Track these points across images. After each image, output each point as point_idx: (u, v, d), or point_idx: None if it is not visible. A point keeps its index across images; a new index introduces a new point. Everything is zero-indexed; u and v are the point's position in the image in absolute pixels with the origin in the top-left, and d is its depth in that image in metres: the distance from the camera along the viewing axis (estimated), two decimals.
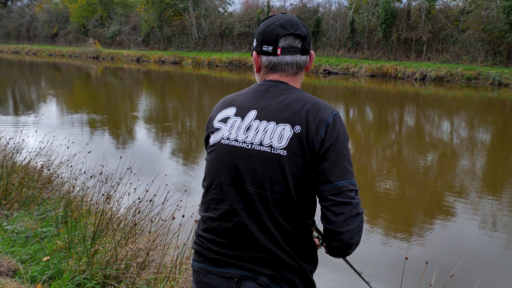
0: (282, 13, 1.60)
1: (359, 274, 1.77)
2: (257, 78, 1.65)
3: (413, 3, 28.32)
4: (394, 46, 27.81)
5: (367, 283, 1.80)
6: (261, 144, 1.46)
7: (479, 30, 24.46)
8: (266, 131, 1.46)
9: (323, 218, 1.45)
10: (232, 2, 60.80)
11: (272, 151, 1.44)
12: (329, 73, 26.29)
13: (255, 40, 1.59)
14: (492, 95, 18.95)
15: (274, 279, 1.46)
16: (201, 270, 1.55)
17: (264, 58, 1.58)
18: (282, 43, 1.53)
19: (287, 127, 1.44)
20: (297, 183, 1.44)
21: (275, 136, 1.45)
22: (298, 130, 1.43)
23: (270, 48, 1.54)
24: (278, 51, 1.53)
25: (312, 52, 1.63)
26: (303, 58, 1.57)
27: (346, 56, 29.41)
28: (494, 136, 12.08)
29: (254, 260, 1.47)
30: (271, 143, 1.45)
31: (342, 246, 1.43)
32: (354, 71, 25.80)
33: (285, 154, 1.43)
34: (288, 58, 1.55)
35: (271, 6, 35.01)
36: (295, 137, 1.43)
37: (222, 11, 41.43)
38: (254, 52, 1.61)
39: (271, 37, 1.53)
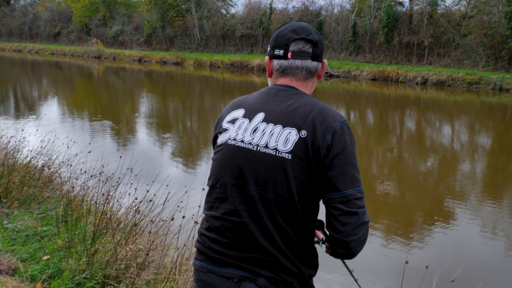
0: (296, 21, 1.62)
1: (351, 272, 1.82)
2: (269, 83, 1.68)
3: (415, 7, 28.34)
4: (396, 50, 27.81)
5: (355, 280, 1.86)
6: (266, 146, 1.47)
7: (480, 35, 24.45)
8: (272, 134, 1.48)
9: (330, 227, 1.47)
10: (235, 4, 60.88)
11: (277, 154, 1.45)
12: (331, 76, 26.30)
13: (269, 46, 1.63)
14: (493, 100, 18.94)
15: (273, 281, 1.47)
16: (202, 269, 1.56)
17: (275, 62, 1.61)
18: (293, 47, 1.55)
19: (293, 131, 1.45)
20: (300, 187, 1.44)
21: (281, 139, 1.46)
22: (304, 134, 1.44)
23: (281, 52, 1.57)
24: (289, 54, 1.56)
25: (325, 60, 1.64)
26: (314, 64, 1.59)
27: (347, 59, 29.41)
28: (494, 141, 12.08)
29: (254, 261, 1.48)
30: (276, 146, 1.46)
31: (348, 254, 1.49)
32: (356, 74, 25.79)
33: (290, 157, 1.44)
34: (298, 62, 1.57)
35: (273, 8, 35.04)
36: (300, 142, 1.44)
37: (225, 13, 41.48)
38: (267, 57, 1.64)
39: (283, 41, 1.56)
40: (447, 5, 28.50)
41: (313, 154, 1.43)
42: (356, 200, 1.42)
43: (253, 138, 1.50)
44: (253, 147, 1.49)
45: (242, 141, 1.51)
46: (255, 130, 1.51)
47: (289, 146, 1.44)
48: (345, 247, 1.46)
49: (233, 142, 1.53)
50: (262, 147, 1.48)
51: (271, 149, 1.46)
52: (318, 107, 1.50)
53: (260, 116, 1.53)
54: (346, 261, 1.69)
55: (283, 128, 1.47)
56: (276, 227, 1.46)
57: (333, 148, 1.42)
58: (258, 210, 1.47)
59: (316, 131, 1.44)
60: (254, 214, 1.47)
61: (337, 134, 1.44)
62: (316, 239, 1.63)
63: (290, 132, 1.45)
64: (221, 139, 1.57)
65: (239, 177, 1.50)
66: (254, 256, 1.47)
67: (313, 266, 1.56)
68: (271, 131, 1.48)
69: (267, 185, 1.46)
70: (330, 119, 1.46)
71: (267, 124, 1.50)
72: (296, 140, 1.44)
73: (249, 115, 1.55)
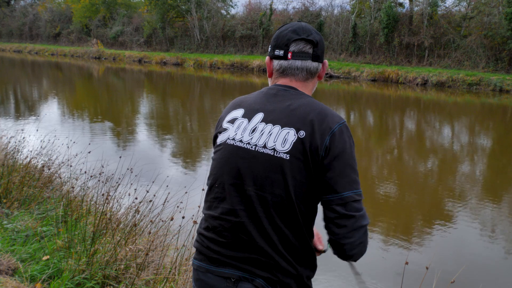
0: (298, 21, 1.62)
1: (358, 275, 1.81)
2: (269, 83, 1.67)
3: (416, 8, 28.37)
4: (396, 51, 27.84)
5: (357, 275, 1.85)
6: (264, 146, 1.47)
7: (481, 36, 24.47)
8: (270, 134, 1.47)
9: (326, 228, 1.47)
10: (235, 5, 60.89)
11: (275, 154, 1.45)
12: (331, 76, 26.31)
13: (269, 46, 1.63)
14: (493, 101, 18.95)
15: (271, 282, 1.47)
16: (200, 269, 1.56)
17: (275, 63, 1.60)
18: (293, 47, 1.55)
19: (292, 132, 1.45)
20: (298, 188, 1.44)
21: (279, 139, 1.45)
22: (303, 135, 1.44)
23: (281, 52, 1.56)
24: (289, 55, 1.55)
25: (326, 61, 1.64)
26: (314, 64, 1.58)
27: (348, 60, 29.44)
28: (495, 142, 12.08)
29: (251, 262, 1.48)
30: (274, 146, 1.45)
31: (344, 256, 1.49)
32: (356, 75, 25.81)
33: (288, 158, 1.43)
34: (298, 62, 1.56)
35: (273, 9, 35.07)
36: (298, 142, 1.43)
37: (225, 13, 41.50)
38: (267, 57, 1.64)
39: (283, 42, 1.56)
40: (447, 6, 28.56)
41: (311, 155, 1.42)
42: (354, 203, 1.42)
43: (251, 138, 1.50)
44: (252, 147, 1.49)
45: (241, 141, 1.51)
46: (254, 130, 1.51)
47: (287, 146, 1.44)
48: (340, 249, 1.47)
49: (232, 142, 1.53)
50: (260, 147, 1.48)
51: (269, 149, 1.46)
52: (317, 108, 1.49)
53: (259, 116, 1.53)
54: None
55: (281, 128, 1.47)
56: (274, 227, 1.46)
57: (332, 150, 1.42)
58: (256, 210, 1.47)
59: (314, 132, 1.43)
60: (251, 214, 1.47)
61: (336, 136, 1.44)
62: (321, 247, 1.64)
63: (289, 132, 1.45)
64: (220, 138, 1.58)
65: (237, 177, 1.50)
66: (252, 257, 1.47)
67: (311, 267, 1.55)
68: (269, 131, 1.48)
69: (265, 185, 1.46)
70: (329, 121, 1.46)
71: (266, 124, 1.50)
72: (294, 141, 1.44)
73: (249, 115, 1.55)
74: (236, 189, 1.50)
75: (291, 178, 1.43)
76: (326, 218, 1.46)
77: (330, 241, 1.48)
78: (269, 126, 1.49)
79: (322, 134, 1.43)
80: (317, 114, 1.46)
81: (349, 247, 1.44)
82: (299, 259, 1.50)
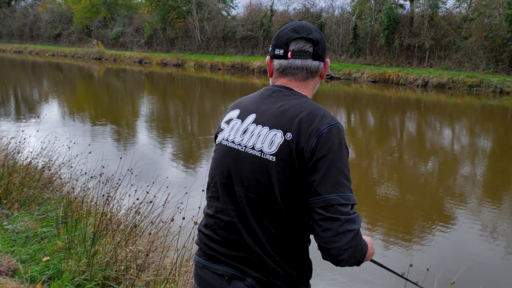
0: (298, 20, 1.61)
1: (401, 275, 1.80)
2: (270, 83, 1.67)
3: (416, 10, 28.38)
4: (397, 52, 27.84)
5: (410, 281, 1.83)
6: (253, 147, 1.48)
7: (481, 38, 24.48)
8: (259, 136, 1.47)
9: (312, 232, 1.43)
10: (236, 6, 60.89)
11: (262, 156, 1.45)
12: (331, 78, 26.32)
13: (270, 45, 1.62)
14: (493, 103, 18.95)
15: (261, 282, 1.47)
16: (198, 264, 1.60)
17: (276, 62, 1.59)
18: (293, 46, 1.53)
19: (279, 133, 1.44)
20: (284, 190, 1.42)
21: (266, 141, 1.45)
22: (289, 137, 1.42)
23: (281, 51, 1.55)
24: (289, 54, 1.54)
25: (327, 59, 1.61)
26: (315, 63, 1.56)
27: (348, 62, 29.44)
28: (495, 144, 12.08)
29: (243, 261, 1.49)
30: (261, 148, 1.45)
31: (333, 261, 1.40)
32: (356, 77, 25.82)
33: (274, 160, 1.43)
34: (298, 62, 1.54)
35: (274, 10, 35.09)
36: (285, 144, 1.42)
37: (225, 15, 41.52)
38: (268, 57, 1.63)
39: (283, 41, 1.55)
40: (448, 7, 28.61)
41: (297, 157, 1.40)
42: (339, 206, 1.34)
43: (242, 139, 1.51)
44: (242, 148, 1.50)
45: (233, 141, 1.53)
46: (245, 131, 1.52)
47: (274, 148, 1.43)
48: (327, 254, 1.38)
49: (225, 143, 1.56)
50: (249, 148, 1.48)
51: (256, 151, 1.46)
52: (308, 109, 1.46)
53: (252, 117, 1.53)
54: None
55: (269, 130, 1.46)
56: (262, 228, 1.46)
57: (317, 151, 1.38)
58: (244, 210, 1.48)
59: (301, 133, 1.41)
60: (241, 214, 1.49)
61: (323, 136, 1.39)
62: None
63: (276, 134, 1.44)
64: (218, 139, 1.61)
65: (228, 177, 1.52)
66: (244, 256, 1.49)
67: (303, 270, 1.52)
68: (258, 133, 1.48)
69: (251, 186, 1.46)
70: (318, 122, 1.42)
71: (256, 125, 1.50)
72: (281, 143, 1.42)
73: (242, 116, 1.56)
74: (227, 189, 1.52)
75: (277, 180, 1.42)
76: (312, 220, 1.42)
77: (318, 247, 1.43)
78: (259, 127, 1.49)
79: (309, 136, 1.40)
80: (306, 115, 1.43)
81: (335, 252, 1.35)
82: (288, 261, 1.48)
